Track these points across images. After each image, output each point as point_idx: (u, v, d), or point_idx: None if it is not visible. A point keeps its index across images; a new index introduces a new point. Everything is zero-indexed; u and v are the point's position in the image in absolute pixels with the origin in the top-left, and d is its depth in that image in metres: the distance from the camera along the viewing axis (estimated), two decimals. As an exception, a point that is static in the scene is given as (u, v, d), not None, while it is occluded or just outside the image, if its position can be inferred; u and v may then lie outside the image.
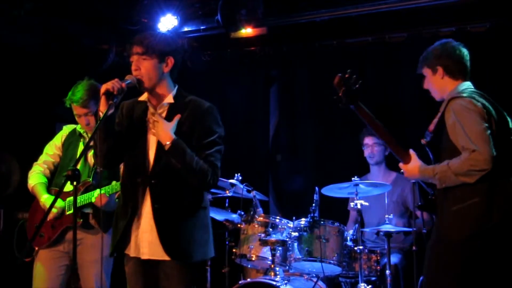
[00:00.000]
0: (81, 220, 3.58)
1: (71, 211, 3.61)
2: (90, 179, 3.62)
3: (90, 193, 3.57)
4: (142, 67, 2.80)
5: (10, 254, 4.04)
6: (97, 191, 3.51)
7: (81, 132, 3.77)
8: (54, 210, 3.60)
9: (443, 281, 2.76)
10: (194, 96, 2.95)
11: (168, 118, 2.83)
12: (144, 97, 2.93)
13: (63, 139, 3.81)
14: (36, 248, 3.69)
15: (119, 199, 3.00)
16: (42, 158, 3.83)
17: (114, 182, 3.50)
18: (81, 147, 3.72)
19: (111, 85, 2.68)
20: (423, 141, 2.83)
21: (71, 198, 3.62)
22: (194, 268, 2.90)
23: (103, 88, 2.69)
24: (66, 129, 3.86)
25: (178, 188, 2.80)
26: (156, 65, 2.82)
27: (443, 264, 2.76)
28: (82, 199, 3.57)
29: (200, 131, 2.82)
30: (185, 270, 2.82)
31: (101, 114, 2.68)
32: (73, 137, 3.79)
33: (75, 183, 2.48)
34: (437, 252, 2.80)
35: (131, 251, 2.85)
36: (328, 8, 5.13)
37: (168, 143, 2.72)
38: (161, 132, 2.74)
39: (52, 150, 3.81)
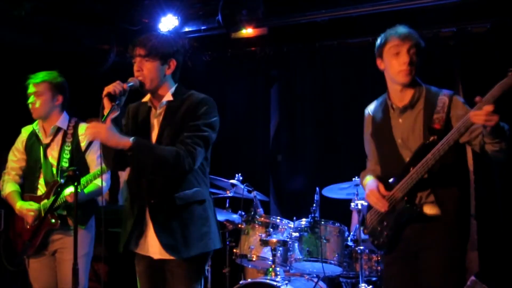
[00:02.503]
0: (59, 221, 3.60)
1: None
2: (59, 179, 3.64)
3: (62, 192, 3.56)
4: (145, 69, 2.81)
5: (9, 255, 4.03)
6: (67, 189, 3.52)
7: (36, 130, 3.79)
8: (31, 214, 3.62)
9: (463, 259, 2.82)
10: (194, 91, 2.95)
11: (167, 115, 2.85)
12: (147, 98, 2.95)
13: (24, 143, 3.83)
14: (25, 257, 3.69)
15: (126, 199, 3.01)
16: (9, 165, 3.86)
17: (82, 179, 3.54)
18: (41, 151, 3.74)
19: (112, 88, 2.68)
20: (432, 138, 2.73)
21: (45, 201, 3.64)
22: (199, 263, 2.88)
23: (105, 91, 2.69)
24: (24, 132, 3.87)
25: (169, 185, 2.80)
26: (158, 67, 2.83)
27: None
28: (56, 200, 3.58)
29: (189, 118, 2.81)
30: (190, 266, 2.83)
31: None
32: (32, 139, 3.81)
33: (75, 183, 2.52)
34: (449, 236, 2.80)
35: (143, 251, 2.88)
36: (329, 8, 5.13)
37: (128, 147, 2.65)
38: (112, 140, 2.66)
39: (16, 156, 3.84)
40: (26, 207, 3.63)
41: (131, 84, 2.77)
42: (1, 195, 3.83)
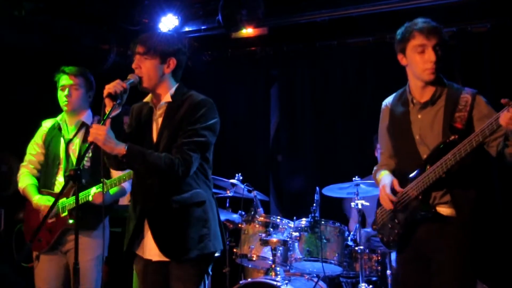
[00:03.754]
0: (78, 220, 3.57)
1: (65, 213, 3.59)
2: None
3: (84, 192, 3.54)
4: (143, 66, 2.81)
5: (11, 254, 4.03)
6: (91, 189, 3.51)
7: (60, 123, 3.73)
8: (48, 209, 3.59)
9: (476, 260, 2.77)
10: (194, 92, 2.94)
11: (166, 116, 2.85)
12: (148, 98, 2.95)
13: (43, 137, 3.78)
14: (37, 253, 3.67)
15: (130, 200, 3.00)
16: (27, 159, 3.81)
17: (104, 180, 3.50)
18: (62, 144, 3.69)
19: (113, 88, 2.68)
20: (452, 137, 2.67)
21: (64, 200, 3.60)
22: (199, 265, 2.85)
23: (105, 91, 2.69)
24: (45, 125, 3.82)
25: (167, 189, 2.79)
26: (157, 65, 2.83)
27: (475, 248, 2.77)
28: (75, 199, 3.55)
29: (187, 121, 2.80)
30: (191, 268, 2.81)
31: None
32: (53, 132, 3.76)
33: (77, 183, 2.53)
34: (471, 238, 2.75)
35: (143, 253, 2.88)
36: (329, 8, 5.13)
37: (122, 154, 2.67)
38: (108, 146, 2.67)
39: (35, 149, 3.79)
40: (43, 203, 3.57)
41: (131, 81, 2.77)
42: (18, 188, 3.77)
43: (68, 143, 3.69)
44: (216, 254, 2.93)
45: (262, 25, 5.47)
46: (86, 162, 3.60)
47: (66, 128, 3.74)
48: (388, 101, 3.07)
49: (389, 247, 3.02)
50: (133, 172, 2.98)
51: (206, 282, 2.90)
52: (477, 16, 4.96)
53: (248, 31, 5.53)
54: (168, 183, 2.78)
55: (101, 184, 3.51)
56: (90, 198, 3.51)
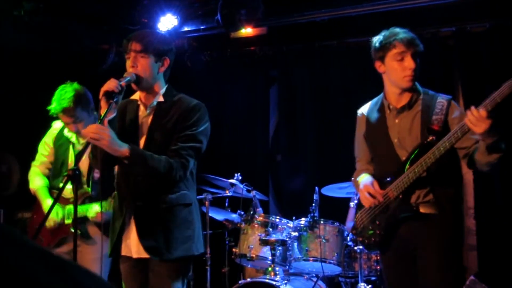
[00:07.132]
0: (80, 232, 3.55)
1: (69, 221, 3.58)
2: (89, 189, 3.58)
3: (85, 206, 3.53)
4: (139, 64, 2.81)
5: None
6: (93, 205, 3.50)
7: (69, 138, 3.72)
8: (55, 218, 3.56)
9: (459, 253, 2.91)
10: (184, 94, 2.96)
11: (157, 117, 2.85)
12: (136, 96, 2.94)
13: (53, 139, 3.77)
14: None
15: (114, 199, 3.00)
16: (39, 158, 3.80)
17: (110, 199, 3.45)
18: (71, 151, 3.68)
19: (107, 86, 2.67)
20: (430, 138, 2.77)
21: (70, 206, 3.59)
22: (181, 264, 2.87)
23: (102, 90, 2.67)
24: (55, 127, 3.81)
25: (155, 188, 2.80)
26: (152, 64, 2.84)
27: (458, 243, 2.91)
28: (78, 210, 3.53)
29: (182, 125, 2.81)
30: (172, 266, 2.83)
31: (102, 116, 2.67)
32: (62, 139, 3.74)
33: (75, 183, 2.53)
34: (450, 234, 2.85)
35: (126, 252, 2.88)
36: (328, 8, 5.13)
37: (125, 156, 2.67)
38: (112, 148, 2.65)
39: (46, 149, 3.79)
40: (52, 216, 3.54)
41: (127, 79, 2.75)
42: (29, 187, 3.77)
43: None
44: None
45: (261, 25, 5.47)
46: (95, 174, 3.56)
47: (77, 139, 3.71)
48: (363, 109, 3.18)
49: (370, 249, 3.12)
50: (118, 170, 2.97)
51: (186, 280, 2.92)
52: (476, 16, 4.95)
53: (247, 31, 5.52)
54: (157, 183, 2.79)
55: (104, 204, 3.44)
56: (88, 214, 3.50)
